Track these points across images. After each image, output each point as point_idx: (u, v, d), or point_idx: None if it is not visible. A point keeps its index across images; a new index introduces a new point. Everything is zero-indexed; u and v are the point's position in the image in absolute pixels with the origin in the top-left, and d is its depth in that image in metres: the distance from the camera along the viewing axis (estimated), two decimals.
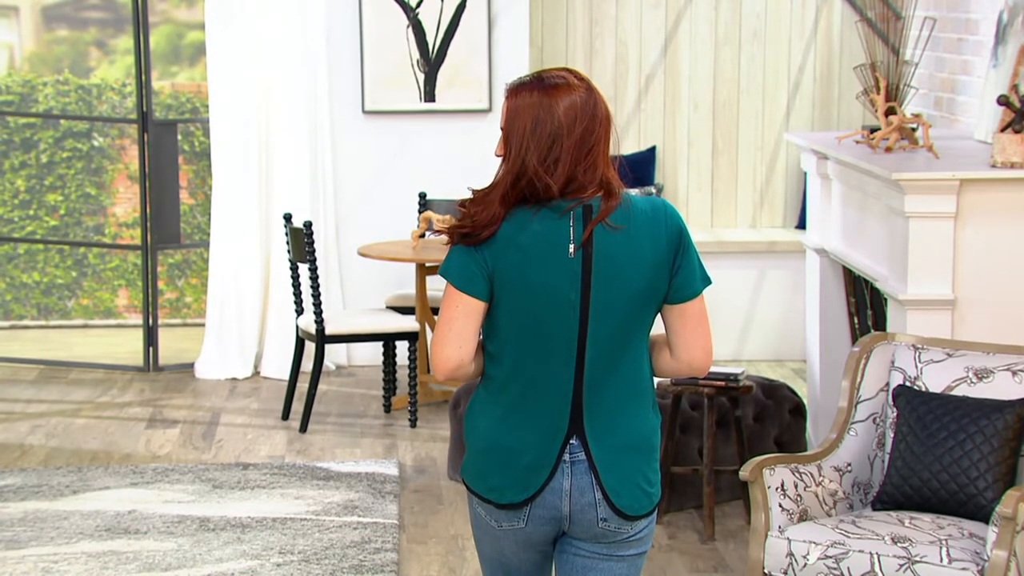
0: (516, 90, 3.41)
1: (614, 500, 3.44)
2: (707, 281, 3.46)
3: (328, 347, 8.73)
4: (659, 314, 3.48)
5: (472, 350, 3.41)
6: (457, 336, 3.40)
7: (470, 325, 3.40)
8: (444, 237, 3.51)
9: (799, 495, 4.89)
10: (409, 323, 7.71)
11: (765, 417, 6.60)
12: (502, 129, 3.42)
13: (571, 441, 3.43)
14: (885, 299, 6.07)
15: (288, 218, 7.73)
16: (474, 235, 3.37)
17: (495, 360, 3.45)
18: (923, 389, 5.04)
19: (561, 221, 3.37)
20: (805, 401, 6.91)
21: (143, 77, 8.70)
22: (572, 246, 3.37)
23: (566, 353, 3.40)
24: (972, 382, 4.99)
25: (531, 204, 3.37)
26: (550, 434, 3.43)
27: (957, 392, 4.99)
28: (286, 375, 8.51)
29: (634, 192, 3.55)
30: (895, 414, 5.04)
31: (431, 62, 8.71)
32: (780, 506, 4.83)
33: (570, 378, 3.41)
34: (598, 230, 3.37)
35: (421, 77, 8.72)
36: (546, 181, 3.35)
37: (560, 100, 3.37)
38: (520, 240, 3.37)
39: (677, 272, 3.41)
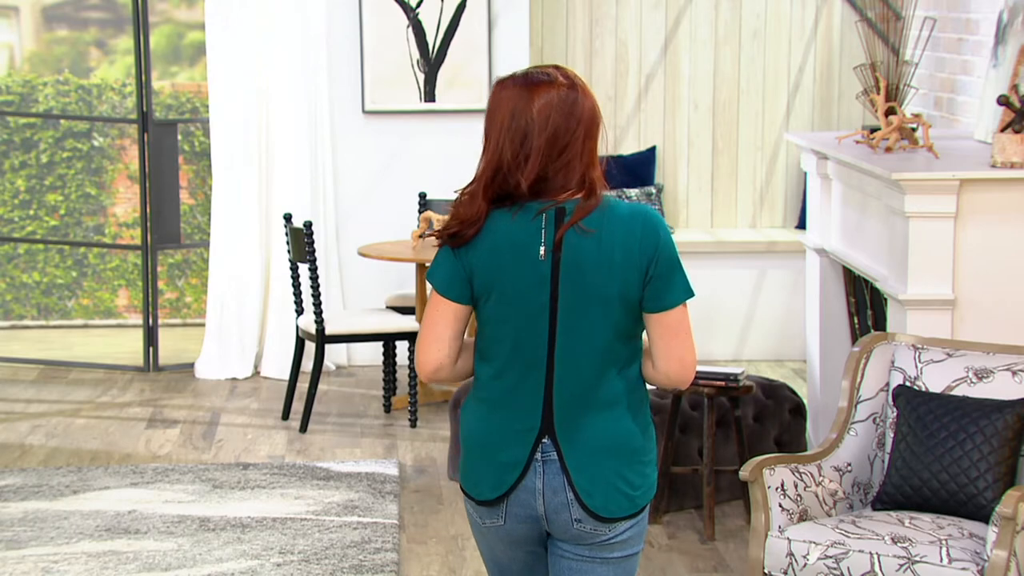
0: (500, 84, 3.42)
1: (586, 501, 3.43)
2: (688, 294, 3.41)
3: (328, 347, 8.73)
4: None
5: (451, 353, 3.46)
6: (437, 340, 3.45)
7: (449, 329, 3.45)
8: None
9: (799, 495, 4.89)
10: (409, 323, 7.71)
11: (765, 417, 6.60)
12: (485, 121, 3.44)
13: (543, 440, 3.44)
14: (885, 299, 6.07)
15: (288, 218, 7.73)
16: (461, 234, 3.40)
17: (482, 358, 3.49)
18: (923, 389, 5.04)
19: (534, 223, 3.38)
20: (805, 401, 6.91)
21: (143, 77, 8.70)
22: (543, 248, 3.38)
23: (537, 354, 3.42)
24: (972, 382, 4.99)
25: (511, 204, 3.38)
26: (523, 433, 3.44)
27: (957, 392, 4.99)
28: (286, 375, 8.52)
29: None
30: (895, 414, 5.04)
31: (431, 62, 8.71)
32: (780, 506, 4.83)
33: (541, 378, 3.43)
34: (570, 233, 3.36)
35: (421, 77, 8.72)
36: (517, 178, 3.35)
37: (538, 97, 3.36)
38: (495, 241, 3.39)
39: (650, 281, 3.38)
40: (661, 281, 3.38)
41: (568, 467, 3.43)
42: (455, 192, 3.46)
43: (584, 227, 3.36)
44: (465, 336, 3.55)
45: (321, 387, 8.40)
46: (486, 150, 3.40)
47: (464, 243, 3.40)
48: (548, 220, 3.38)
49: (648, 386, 3.60)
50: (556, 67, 3.43)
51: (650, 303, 3.39)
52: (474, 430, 3.51)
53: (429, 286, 3.49)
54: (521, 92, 3.37)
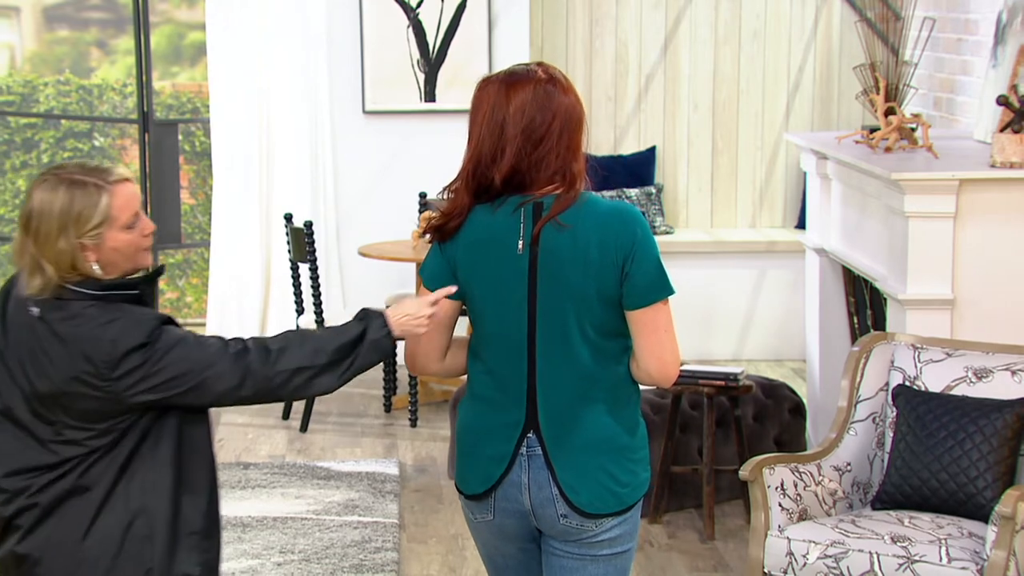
0: (484, 81, 3.46)
1: (571, 497, 3.44)
2: (665, 291, 3.41)
3: None
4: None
5: (437, 346, 3.52)
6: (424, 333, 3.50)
7: (435, 323, 3.49)
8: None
9: (799, 495, 4.89)
10: None
11: (765, 417, 6.61)
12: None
13: (528, 435, 3.46)
14: (885, 299, 6.08)
15: (289, 218, 7.73)
16: (445, 227, 3.44)
17: (474, 355, 3.53)
18: (923, 389, 5.04)
19: (512, 217, 3.40)
20: (805, 401, 6.91)
21: (144, 77, 8.71)
22: (520, 243, 3.39)
23: (519, 349, 3.44)
24: (971, 382, 5.00)
25: (493, 198, 3.41)
26: (509, 428, 3.47)
27: (956, 392, 5.00)
28: None
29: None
30: (895, 414, 5.05)
31: (431, 62, 8.72)
32: (780, 505, 4.84)
33: (523, 373, 3.44)
34: (547, 228, 3.38)
35: (421, 77, 8.73)
36: (492, 172, 3.38)
37: (516, 92, 3.39)
38: (476, 235, 3.43)
39: (627, 278, 3.38)
40: (638, 278, 3.38)
41: (553, 462, 3.44)
42: (442, 190, 3.50)
43: (560, 222, 3.38)
44: (463, 334, 3.57)
45: None
46: (468, 145, 3.44)
47: (449, 236, 3.45)
48: (526, 214, 3.40)
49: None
50: (540, 64, 3.47)
51: (628, 300, 3.40)
52: (465, 425, 3.55)
53: None
54: (501, 88, 3.41)
